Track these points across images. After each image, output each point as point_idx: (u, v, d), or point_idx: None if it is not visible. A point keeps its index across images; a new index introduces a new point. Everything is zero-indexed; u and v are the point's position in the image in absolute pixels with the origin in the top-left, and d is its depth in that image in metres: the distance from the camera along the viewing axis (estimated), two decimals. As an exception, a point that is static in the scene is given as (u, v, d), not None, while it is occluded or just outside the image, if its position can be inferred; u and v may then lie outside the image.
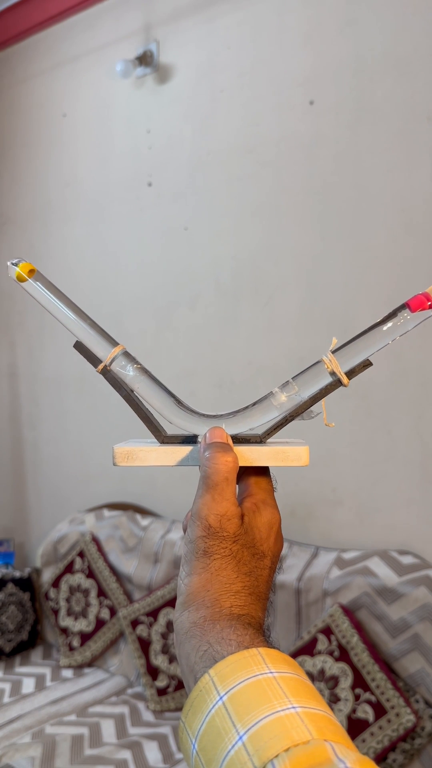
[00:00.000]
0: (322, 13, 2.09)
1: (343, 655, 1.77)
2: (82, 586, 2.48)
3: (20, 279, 0.59)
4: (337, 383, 0.57)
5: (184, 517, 0.56)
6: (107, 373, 0.60)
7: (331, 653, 1.79)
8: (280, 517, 0.56)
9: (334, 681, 1.76)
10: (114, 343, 0.60)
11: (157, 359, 2.52)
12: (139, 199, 2.60)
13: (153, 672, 2.17)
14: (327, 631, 1.82)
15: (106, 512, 2.63)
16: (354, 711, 1.70)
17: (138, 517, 2.52)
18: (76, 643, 2.44)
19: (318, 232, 2.13)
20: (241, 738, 0.40)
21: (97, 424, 2.76)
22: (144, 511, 2.59)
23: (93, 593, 2.45)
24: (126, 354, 0.60)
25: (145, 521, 2.47)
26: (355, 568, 1.89)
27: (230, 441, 0.57)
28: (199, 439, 0.58)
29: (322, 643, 1.82)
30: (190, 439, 0.60)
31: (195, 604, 0.51)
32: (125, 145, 2.64)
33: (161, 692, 2.14)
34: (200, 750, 0.42)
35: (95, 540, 2.52)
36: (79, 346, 0.60)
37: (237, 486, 0.56)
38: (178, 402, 0.60)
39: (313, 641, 1.83)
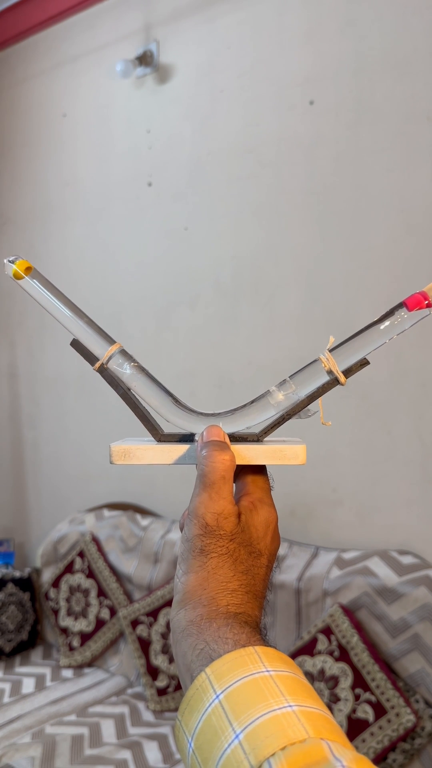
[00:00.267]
0: (322, 13, 2.09)
1: (343, 655, 1.77)
2: (82, 586, 2.48)
3: (17, 276, 0.59)
4: (334, 382, 0.57)
5: (177, 519, 0.56)
6: (104, 371, 0.59)
7: (331, 653, 1.79)
8: (277, 516, 0.56)
9: (334, 681, 1.76)
10: (111, 341, 0.60)
11: (157, 359, 2.52)
12: (139, 199, 2.60)
13: (153, 672, 2.17)
14: (327, 631, 1.82)
15: (106, 512, 2.63)
16: (354, 711, 1.70)
17: (138, 517, 2.52)
18: (76, 643, 2.44)
19: (318, 232, 2.13)
20: (237, 736, 0.39)
21: (97, 423, 2.76)
22: (144, 511, 2.59)
23: (93, 593, 2.45)
24: (123, 352, 0.60)
25: (145, 521, 2.47)
26: (355, 568, 1.89)
27: (227, 439, 0.57)
28: (196, 438, 0.58)
29: (322, 643, 1.81)
30: (188, 438, 0.60)
31: (192, 602, 0.51)
32: (125, 145, 2.64)
33: (161, 692, 2.14)
34: (197, 748, 0.42)
35: (95, 540, 2.52)
36: (76, 344, 0.60)
37: (234, 484, 0.56)
38: (175, 400, 0.59)
39: (313, 641, 1.83)
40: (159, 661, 2.17)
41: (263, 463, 0.57)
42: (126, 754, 1.84)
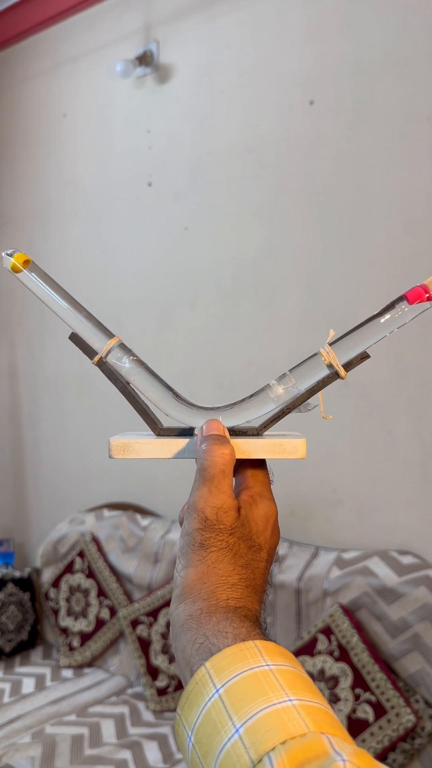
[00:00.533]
0: (322, 13, 2.09)
1: (343, 655, 1.77)
2: (82, 586, 2.48)
3: (15, 270, 0.59)
4: (334, 375, 0.56)
5: (177, 519, 0.56)
6: (103, 365, 0.59)
7: (331, 653, 1.79)
8: (277, 510, 0.56)
9: (334, 681, 1.75)
10: (110, 334, 0.59)
11: (157, 359, 2.51)
12: (139, 199, 2.60)
13: (153, 672, 2.16)
14: (327, 631, 1.82)
15: (106, 512, 2.62)
16: (354, 711, 1.70)
17: (138, 517, 2.51)
18: (76, 643, 2.44)
19: (318, 232, 2.13)
20: (237, 731, 0.39)
21: (97, 423, 2.76)
22: (144, 511, 2.59)
23: (93, 593, 2.45)
24: (122, 346, 0.59)
25: (145, 521, 2.47)
26: (355, 568, 1.89)
27: (227, 433, 0.56)
28: (196, 432, 0.58)
29: (322, 643, 1.81)
30: (187, 432, 0.59)
31: (191, 596, 0.51)
32: (125, 145, 2.64)
33: (161, 692, 2.13)
34: (196, 743, 0.42)
35: (95, 540, 2.51)
36: (75, 338, 0.59)
37: (234, 478, 0.56)
38: (175, 394, 0.59)
39: (313, 641, 1.83)
40: (159, 661, 2.16)
41: (263, 457, 0.57)
42: (126, 754, 1.84)
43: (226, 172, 2.34)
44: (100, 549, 2.49)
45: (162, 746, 1.90)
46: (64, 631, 2.48)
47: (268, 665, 0.43)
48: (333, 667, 1.77)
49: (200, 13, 2.38)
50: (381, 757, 1.64)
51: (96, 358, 0.59)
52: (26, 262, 0.59)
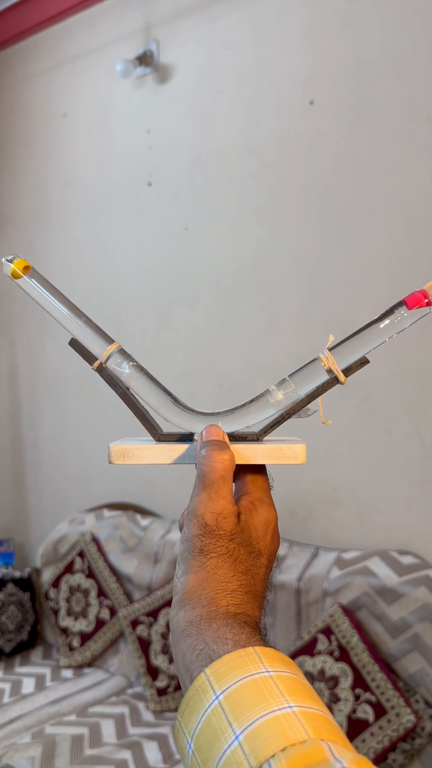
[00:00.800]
0: (322, 13, 2.08)
1: (343, 655, 1.77)
2: (82, 586, 2.48)
3: (15, 276, 0.59)
4: (333, 381, 0.57)
5: (177, 519, 0.56)
6: (103, 371, 0.59)
7: (331, 653, 1.79)
8: (277, 516, 0.56)
9: (334, 681, 1.75)
10: (110, 340, 0.60)
11: (157, 360, 2.52)
12: (139, 199, 2.60)
13: (153, 672, 2.17)
14: (327, 631, 1.82)
15: (106, 512, 2.62)
16: (354, 711, 1.70)
17: (138, 517, 2.52)
18: (76, 643, 2.44)
19: (318, 232, 2.13)
20: (237, 738, 0.39)
21: (97, 424, 2.76)
22: (144, 511, 2.59)
23: (93, 593, 2.45)
24: (122, 351, 0.59)
25: (145, 521, 2.47)
26: (355, 568, 1.89)
27: (227, 439, 0.56)
28: (196, 437, 0.58)
29: (322, 643, 1.81)
30: (187, 437, 0.59)
31: (191, 602, 0.51)
32: (125, 145, 2.64)
33: (161, 692, 2.14)
34: (196, 749, 0.42)
35: (95, 540, 2.52)
36: (75, 344, 0.60)
37: (233, 484, 0.56)
38: (175, 400, 0.59)
39: (313, 641, 1.83)
40: (159, 661, 2.17)
41: (263, 463, 0.57)
42: (126, 754, 1.84)
43: (226, 172, 2.34)
44: (100, 549, 2.49)
45: (162, 746, 1.90)
46: (64, 631, 2.48)
47: (267, 671, 0.43)
48: (333, 667, 1.77)
49: (200, 13, 2.38)
50: (381, 757, 1.64)
51: (96, 364, 0.59)
52: (26, 268, 0.59)
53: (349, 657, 1.76)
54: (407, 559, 1.87)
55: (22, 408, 3.09)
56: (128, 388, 0.59)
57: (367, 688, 1.71)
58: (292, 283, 2.19)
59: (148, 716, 2.09)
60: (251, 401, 0.58)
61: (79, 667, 2.43)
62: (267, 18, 2.21)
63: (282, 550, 2.08)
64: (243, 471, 0.58)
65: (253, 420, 0.58)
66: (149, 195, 2.57)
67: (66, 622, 2.49)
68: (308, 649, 1.83)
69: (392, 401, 1.98)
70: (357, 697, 1.71)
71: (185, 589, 0.52)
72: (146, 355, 2.58)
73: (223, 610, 0.49)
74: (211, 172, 2.38)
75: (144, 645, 2.21)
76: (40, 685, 2.31)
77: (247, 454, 0.56)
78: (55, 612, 2.54)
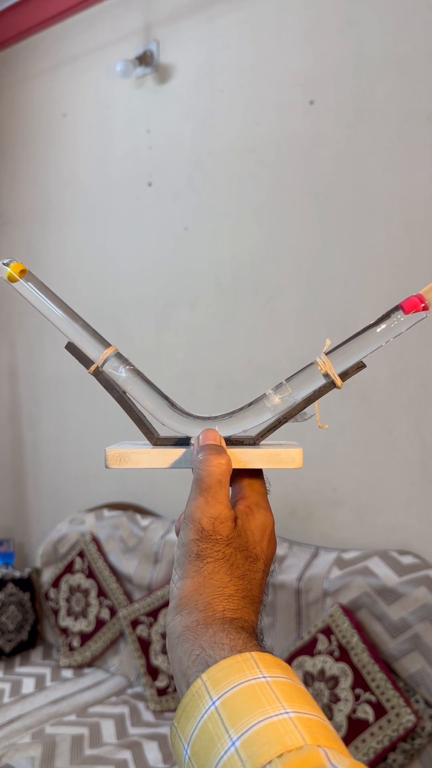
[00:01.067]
0: (322, 13, 2.08)
1: (343, 655, 1.77)
2: (82, 586, 2.48)
3: (11, 279, 0.59)
4: (330, 385, 0.57)
5: (177, 519, 0.56)
6: (99, 375, 0.59)
7: (331, 653, 1.79)
8: (274, 520, 0.56)
9: (334, 681, 1.75)
10: (106, 344, 0.59)
11: (157, 359, 2.52)
12: (139, 199, 2.59)
13: (153, 672, 2.17)
14: (327, 631, 1.82)
15: (106, 512, 2.63)
16: (354, 711, 1.70)
17: (138, 517, 2.52)
18: (76, 643, 2.44)
19: (318, 232, 2.12)
20: (233, 744, 0.39)
21: (97, 424, 2.76)
22: (144, 511, 2.59)
23: (93, 593, 2.45)
24: (118, 355, 0.59)
25: (145, 521, 2.47)
26: (355, 568, 1.89)
27: (223, 443, 0.56)
28: (192, 441, 0.58)
29: (322, 643, 1.81)
30: (183, 441, 0.59)
31: (188, 607, 0.50)
32: (125, 145, 2.64)
33: (161, 692, 2.14)
34: (193, 755, 0.42)
35: (95, 540, 2.52)
36: (71, 348, 0.60)
37: (230, 488, 0.56)
38: (171, 404, 0.59)
39: (313, 641, 1.83)
40: (159, 661, 2.17)
41: (260, 467, 0.57)
42: (126, 755, 1.84)
43: (226, 172, 2.34)
44: (100, 549, 2.49)
45: (162, 746, 1.90)
46: (64, 631, 2.49)
47: (264, 677, 0.43)
48: (333, 667, 1.77)
49: (200, 13, 2.38)
50: (381, 757, 1.64)
51: (92, 368, 0.59)
52: (23, 272, 0.59)
53: (349, 657, 1.76)
54: (407, 559, 1.87)
55: (22, 408, 3.09)
56: (125, 392, 0.59)
57: (367, 688, 1.71)
58: (291, 283, 2.19)
59: (148, 716, 2.09)
60: (248, 405, 0.58)
61: (79, 667, 2.43)
62: (267, 18, 2.21)
63: (282, 550, 2.08)
64: (240, 475, 0.58)
65: (250, 424, 0.58)
66: (149, 195, 2.57)
67: (66, 622, 2.49)
68: (308, 649, 1.83)
69: (392, 401, 1.98)
70: (357, 697, 1.71)
71: (182, 594, 0.52)
72: (146, 355, 2.58)
73: (220, 615, 0.49)
74: (211, 172, 2.38)
75: (144, 645, 2.21)
76: (40, 685, 2.31)
77: (244, 458, 0.56)
78: (55, 612, 2.54)
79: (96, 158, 2.75)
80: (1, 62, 3.08)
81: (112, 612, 2.39)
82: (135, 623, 2.24)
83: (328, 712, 1.73)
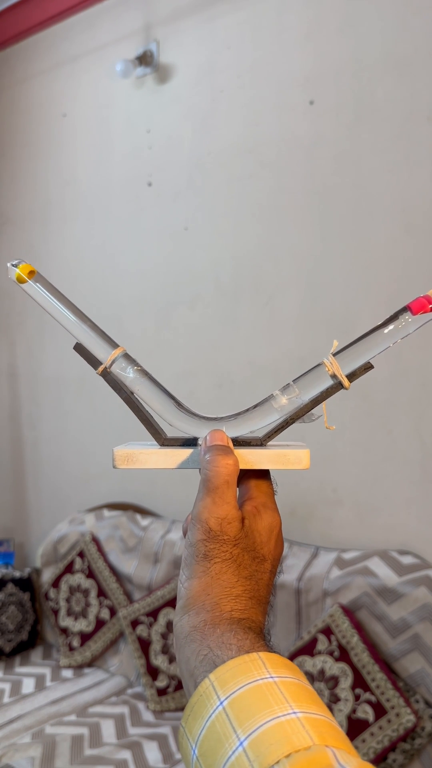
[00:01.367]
0: (322, 13, 2.08)
1: (343, 655, 1.77)
2: (82, 586, 2.48)
3: (20, 280, 0.59)
4: (338, 386, 0.57)
5: (184, 519, 0.56)
6: (107, 375, 0.59)
7: (331, 653, 1.79)
8: (281, 521, 0.56)
9: (334, 681, 1.76)
10: (114, 344, 0.60)
11: (157, 359, 2.52)
12: (139, 199, 2.59)
13: (153, 672, 2.17)
14: (327, 631, 1.82)
15: (106, 512, 2.62)
16: (354, 711, 1.70)
17: (138, 517, 2.52)
18: (76, 643, 2.44)
19: (318, 233, 2.13)
20: (241, 744, 0.39)
21: (97, 424, 2.76)
22: (144, 511, 2.59)
23: (93, 593, 2.45)
24: (126, 356, 0.59)
25: (145, 521, 2.47)
26: (355, 568, 1.89)
27: (231, 444, 0.56)
28: (200, 442, 0.58)
29: (322, 643, 1.81)
30: (191, 442, 0.59)
31: (195, 608, 0.50)
32: (125, 145, 2.64)
33: (161, 692, 2.14)
34: (200, 755, 0.42)
35: (95, 540, 2.52)
36: (79, 348, 0.60)
37: (237, 489, 0.56)
38: (179, 404, 0.59)
39: (313, 641, 1.83)
40: (159, 661, 2.17)
41: (267, 468, 0.57)
42: (126, 755, 1.85)
43: (226, 172, 2.34)
44: (100, 549, 2.49)
45: (162, 746, 1.90)
46: (64, 631, 2.49)
47: (272, 677, 0.43)
48: (333, 667, 1.77)
49: (200, 13, 2.38)
50: (381, 757, 1.64)
51: (100, 369, 0.59)
52: (31, 273, 0.59)
53: (349, 657, 1.76)
54: (407, 559, 1.87)
55: (22, 408, 3.09)
56: (132, 393, 0.60)
57: (367, 688, 1.71)
58: (292, 283, 2.19)
59: (148, 716, 2.09)
60: (255, 406, 0.58)
61: (79, 667, 2.43)
62: (267, 18, 2.21)
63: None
64: (247, 476, 0.58)
65: (257, 425, 0.58)
66: (149, 195, 2.57)
67: (66, 622, 2.49)
68: (308, 649, 1.84)
69: (392, 401, 1.98)
70: (357, 697, 1.71)
71: (189, 594, 0.52)
72: (146, 355, 2.57)
73: (227, 615, 0.49)
74: (211, 172, 2.38)
75: (144, 645, 2.21)
76: (40, 685, 2.31)
77: (251, 459, 0.56)
78: (55, 612, 2.54)
79: (96, 158, 2.75)
80: (1, 62, 3.08)
81: (112, 612, 2.39)
82: (135, 623, 2.24)
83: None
